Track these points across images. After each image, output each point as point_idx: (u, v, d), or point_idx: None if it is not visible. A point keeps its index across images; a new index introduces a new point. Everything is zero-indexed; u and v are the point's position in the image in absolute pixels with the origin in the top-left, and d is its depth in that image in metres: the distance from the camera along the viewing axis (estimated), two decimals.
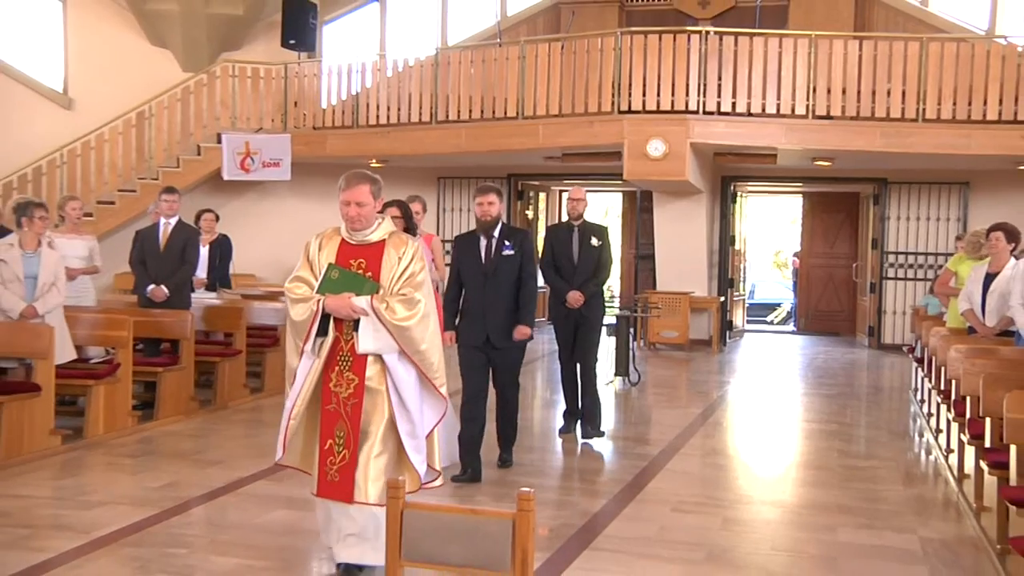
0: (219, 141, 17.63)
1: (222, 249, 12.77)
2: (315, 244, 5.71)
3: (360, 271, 5.51)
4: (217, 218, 12.87)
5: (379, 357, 5.48)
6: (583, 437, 9.59)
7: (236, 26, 18.51)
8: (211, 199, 16.53)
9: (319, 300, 5.43)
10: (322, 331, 5.48)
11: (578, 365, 9.65)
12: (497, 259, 7.99)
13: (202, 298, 11.68)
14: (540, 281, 8.93)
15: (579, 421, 9.72)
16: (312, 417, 5.58)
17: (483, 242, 8.07)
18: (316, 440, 5.58)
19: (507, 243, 7.99)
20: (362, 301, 5.38)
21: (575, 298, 9.34)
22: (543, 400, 12.39)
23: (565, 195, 10.72)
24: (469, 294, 8.11)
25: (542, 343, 16.07)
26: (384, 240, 5.61)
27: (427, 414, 5.64)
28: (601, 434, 9.64)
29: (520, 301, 8.04)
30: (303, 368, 5.56)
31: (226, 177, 17.31)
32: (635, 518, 7.13)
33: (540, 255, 10.13)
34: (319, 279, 5.51)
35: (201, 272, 11.90)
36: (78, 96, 19.34)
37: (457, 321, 8.28)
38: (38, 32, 19.70)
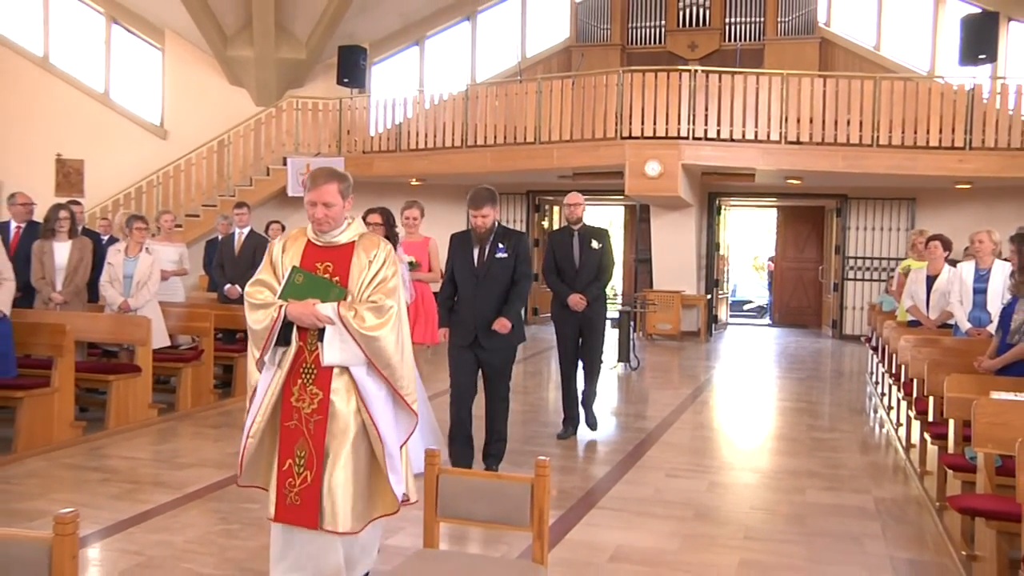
0: (285, 163, 17.74)
1: None
2: (279, 246, 4.59)
3: (327, 275, 4.41)
4: (283, 228, 12.91)
5: (346, 370, 4.32)
6: (587, 425, 8.70)
7: (299, 68, 18.53)
8: (278, 212, 16.62)
9: (280, 307, 4.32)
10: (284, 340, 4.38)
11: (583, 363, 8.67)
12: (490, 261, 6.92)
13: None
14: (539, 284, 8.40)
15: (577, 426, 8.75)
16: (273, 435, 4.40)
17: (477, 244, 7.02)
18: (276, 459, 4.38)
19: (501, 246, 6.92)
20: (327, 308, 4.26)
21: (576, 301, 8.31)
22: (556, 383, 12.46)
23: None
24: (460, 294, 7.06)
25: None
26: (354, 242, 4.48)
27: (399, 430, 4.50)
28: (595, 426, 8.76)
29: (510, 296, 6.94)
30: (263, 382, 4.43)
31: (290, 193, 17.40)
32: (634, 482, 7.11)
33: (543, 260, 8.99)
34: (282, 283, 4.40)
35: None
36: (172, 128, 19.46)
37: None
38: (142, 76, 19.88)
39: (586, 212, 8.86)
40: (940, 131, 14.97)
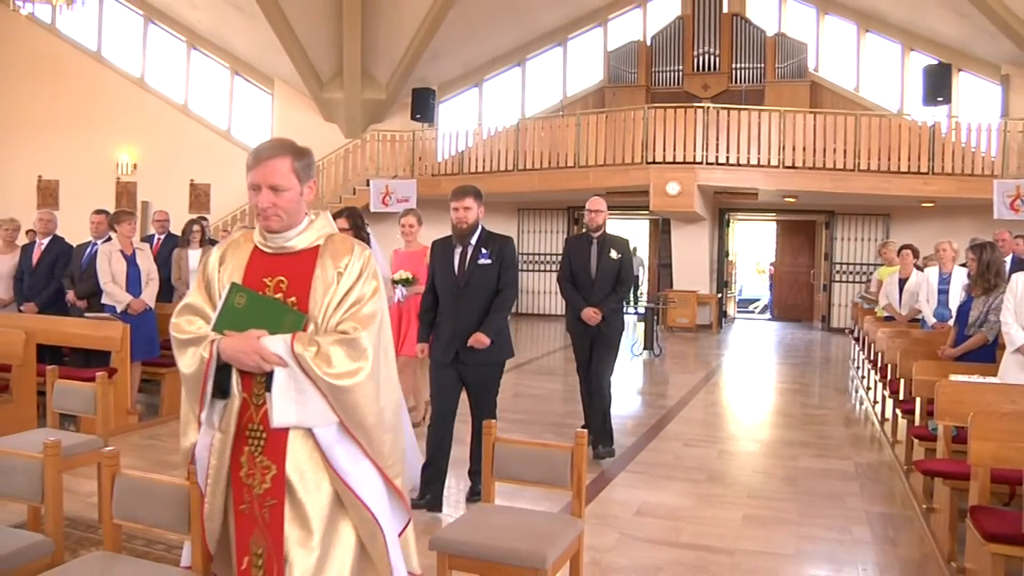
0: (367, 185, 17.86)
1: None
2: (215, 255, 2.81)
3: (279, 295, 2.66)
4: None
5: (309, 432, 2.59)
6: (594, 457, 6.52)
7: (380, 107, 18.68)
8: None
9: (213, 342, 2.58)
10: (222, 390, 2.61)
11: (591, 380, 6.83)
12: (472, 269, 5.22)
13: None
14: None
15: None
16: (230, 518, 2.67)
17: (458, 250, 5.28)
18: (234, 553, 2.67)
19: (484, 251, 5.23)
20: (276, 343, 2.53)
21: (589, 316, 6.60)
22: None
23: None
24: (441, 305, 5.34)
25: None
26: (318, 247, 2.72)
27: (392, 516, 2.78)
28: (612, 453, 6.70)
29: (492, 307, 5.23)
30: (201, 447, 2.68)
31: (372, 209, 17.43)
32: (656, 450, 7.10)
33: (560, 268, 7.15)
34: (218, 308, 2.63)
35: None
36: None
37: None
38: (256, 116, 20.16)
39: (616, 225, 7.11)
40: (909, 159, 15.04)
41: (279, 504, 2.57)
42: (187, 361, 2.65)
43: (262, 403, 2.59)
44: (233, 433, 2.62)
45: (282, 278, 2.69)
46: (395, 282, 6.93)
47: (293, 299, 2.66)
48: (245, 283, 2.67)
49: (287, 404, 2.55)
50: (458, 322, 5.21)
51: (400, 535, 2.85)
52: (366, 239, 5.52)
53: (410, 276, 6.88)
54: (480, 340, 5.17)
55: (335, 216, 5.38)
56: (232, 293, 2.61)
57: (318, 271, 2.68)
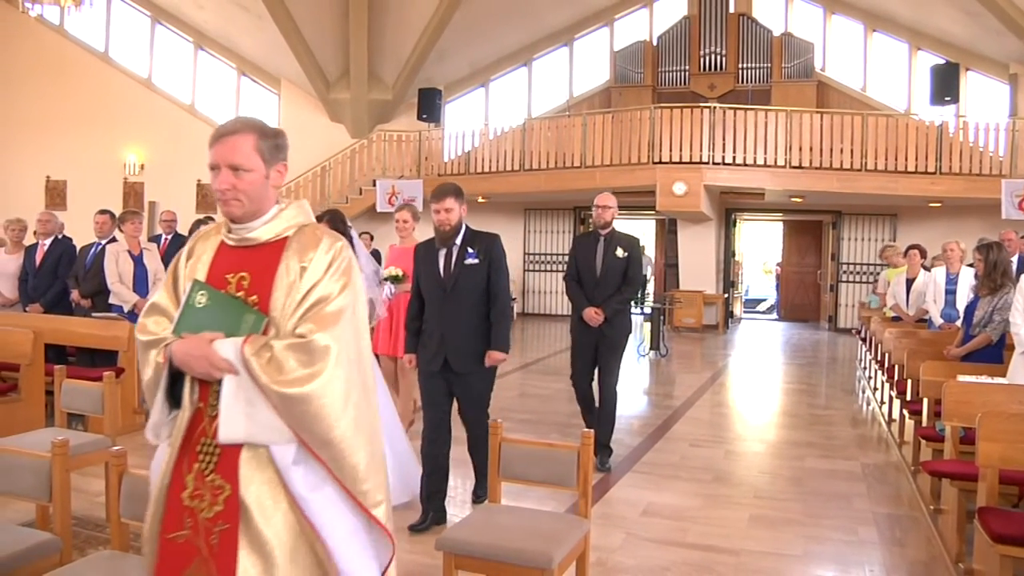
0: (374, 185, 17.85)
1: (377, 258, 13.10)
2: (186, 248, 2.53)
3: (241, 293, 2.35)
4: (372, 238, 13.19)
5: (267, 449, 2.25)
6: (597, 463, 6.16)
7: (386, 107, 18.70)
8: (368, 224, 16.82)
9: (168, 345, 2.30)
10: (176, 398, 2.34)
11: (598, 389, 6.45)
12: (458, 270, 4.87)
13: None
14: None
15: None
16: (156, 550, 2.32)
17: (443, 251, 4.93)
18: None
19: (470, 251, 4.88)
20: (228, 348, 2.22)
21: (590, 316, 6.28)
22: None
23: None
24: (427, 311, 4.98)
25: None
26: (285, 239, 2.39)
27: (370, 551, 2.39)
28: (609, 453, 6.44)
29: (492, 319, 4.90)
30: (156, 464, 2.40)
31: (378, 209, 17.46)
32: (663, 451, 7.07)
33: (567, 267, 6.70)
34: (180, 307, 2.36)
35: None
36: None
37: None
38: (263, 116, 19.90)
39: (623, 226, 6.90)
40: (916, 159, 14.96)
41: (232, 529, 2.20)
42: (147, 367, 2.37)
43: (216, 414, 2.25)
44: (179, 447, 2.30)
45: (244, 274, 2.36)
46: (384, 279, 6.76)
47: (255, 298, 2.33)
48: (208, 279, 2.38)
49: (235, 417, 2.22)
50: (446, 328, 4.88)
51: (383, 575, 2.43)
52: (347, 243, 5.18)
53: (400, 273, 6.61)
54: (495, 358, 4.91)
55: (316, 219, 5.18)
56: (193, 291, 2.34)
57: (282, 267, 2.34)
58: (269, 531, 2.21)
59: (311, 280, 2.31)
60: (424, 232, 5.07)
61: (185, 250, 2.52)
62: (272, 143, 2.43)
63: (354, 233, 5.56)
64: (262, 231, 2.40)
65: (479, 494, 5.26)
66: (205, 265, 2.41)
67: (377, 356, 6.95)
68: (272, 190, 2.43)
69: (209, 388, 2.28)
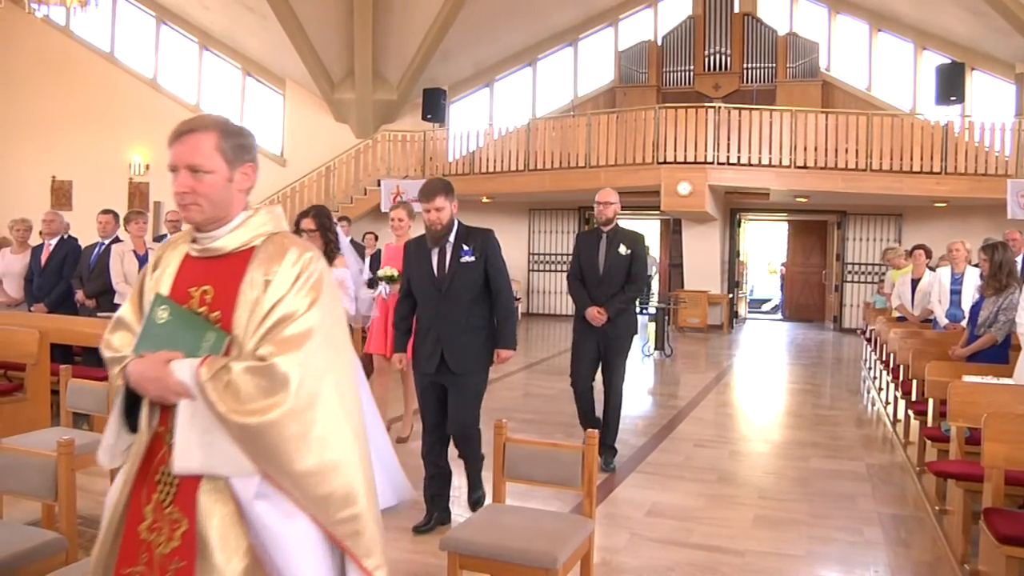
0: (379, 185, 17.85)
1: (379, 258, 13.08)
2: (151, 261, 2.33)
3: (203, 308, 2.15)
4: (376, 238, 13.17)
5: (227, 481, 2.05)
6: (602, 464, 6.18)
7: (391, 107, 18.72)
8: (372, 224, 16.77)
9: (126, 366, 2.13)
10: (132, 422, 2.17)
11: (604, 391, 6.35)
12: (454, 269, 4.69)
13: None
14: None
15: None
16: None
17: (436, 249, 4.77)
18: None
19: (465, 248, 4.71)
20: (184, 369, 2.02)
21: (593, 316, 6.15)
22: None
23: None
24: (421, 312, 4.83)
25: None
26: (252, 248, 2.19)
27: None
28: (613, 453, 6.41)
29: (498, 317, 4.79)
30: (113, 489, 2.20)
31: (383, 210, 17.36)
32: (668, 451, 7.07)
33: (570, 265, 6.60)
34: (143, 322, 2.18)
35: (366, 274, 12.22)
36: (290, 157, 19.74)
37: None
38: (268, 116, 20.17)
39: (628, 226, 6.55)
40: (921, 158, 14.93)
41: (188, 567, 2.02)
42: (114, 383, 2.21)
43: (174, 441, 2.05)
44: (135, 476, 2.12)
45: (208, 287, 2.15)
46: (379, 279, 6.77)
47: (217, 314, 2.12)
48: (172, 293, 2.18)
49: (190, 446, 2.02)
50: (442, 328, 4.70)
51: None
52: (334, 240, 5.17)
53: (395, 273, 6.44)
54: (504, 356, 4.81)
55: (301, 216, 5.14)
56: (155, 306, 2.15)
57: (246, 279, 2.12)
58: (229, 570, 2.03)
59: (275, 296, 2.09)
60: (420, 231, 4.97)
61: (151, 260, 2.33)
62: (236, 142, 2.23)
63: (340, 230, 5.43)
64: (227, 240, 2.20)
65: (475, 499, 5.13)
66: (170, 277, 2.22)
67: (371, 356, 7.05)
68: (238, 194, 2.24)
69: (170, 412, 2.09)
